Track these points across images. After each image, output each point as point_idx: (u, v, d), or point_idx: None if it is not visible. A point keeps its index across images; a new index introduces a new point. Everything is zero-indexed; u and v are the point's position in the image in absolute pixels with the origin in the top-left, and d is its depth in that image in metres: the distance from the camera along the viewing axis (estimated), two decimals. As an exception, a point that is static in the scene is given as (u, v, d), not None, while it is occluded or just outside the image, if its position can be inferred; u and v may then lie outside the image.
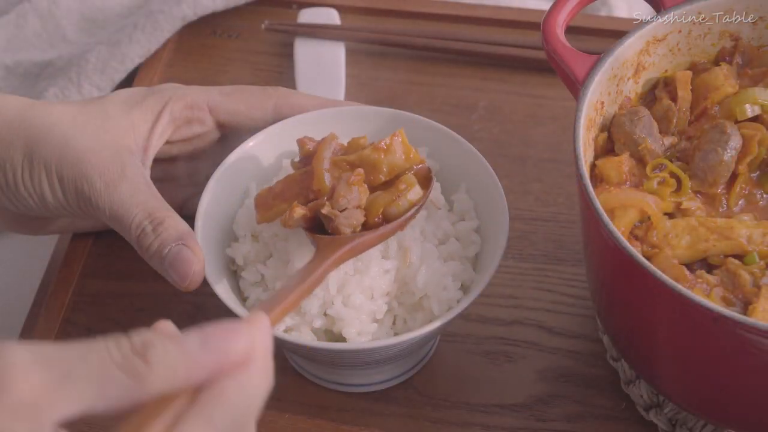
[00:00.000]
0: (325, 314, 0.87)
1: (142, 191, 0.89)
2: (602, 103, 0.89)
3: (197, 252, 0.87)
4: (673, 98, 0.92)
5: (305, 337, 0.87)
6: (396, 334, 0.88)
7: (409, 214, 0.87)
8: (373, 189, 0.88)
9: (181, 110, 0.95)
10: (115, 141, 0.92)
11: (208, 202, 0.93)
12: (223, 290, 0.88)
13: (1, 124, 0.91)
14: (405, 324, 0.89)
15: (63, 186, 0.90)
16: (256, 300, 0.89)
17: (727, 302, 0.79)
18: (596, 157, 0.89)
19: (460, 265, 0.90)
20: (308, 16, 1.25)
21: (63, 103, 0.94)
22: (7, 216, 0.99)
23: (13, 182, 0.91)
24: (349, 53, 1.23)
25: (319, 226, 0.87)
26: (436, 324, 0.85)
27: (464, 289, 0.90)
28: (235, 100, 0.97)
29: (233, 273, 0.93)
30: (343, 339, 0.88)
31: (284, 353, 0.98)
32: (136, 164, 0.92)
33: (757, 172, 0.87)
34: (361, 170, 0.87)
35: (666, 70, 0.94)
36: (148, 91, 0.96)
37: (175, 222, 0.88)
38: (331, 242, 0.85)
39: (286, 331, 0.87)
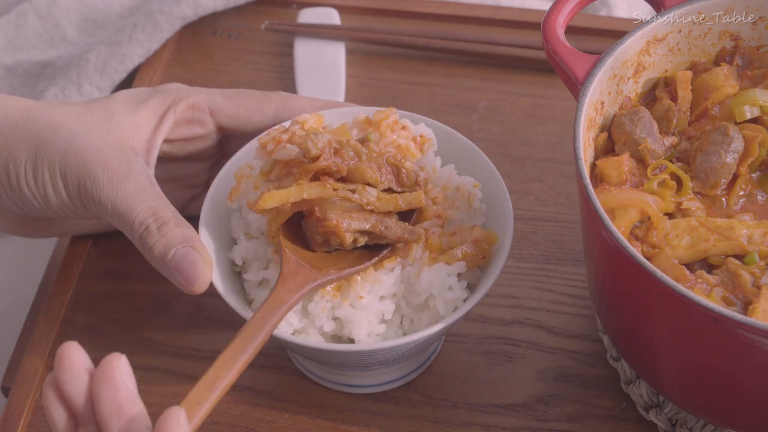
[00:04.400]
0: (334, 317, 0.87)
1: (146, 190, 0.89)
2: (602, 103, 0.89)
3: (204, 254, 0.87)
4: (674, 98, 0.92)
5: (313, 339, 0.87)
6: (404, 334, 0.88)
7: (380, 257, 0.88)
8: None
9: (183, 110, 0.96)
10: (119, 141, 0.92)
11: (210, 205, 0.93)
12: (228, 293, 0.87)
13: (6, 125, 0.91)
14: (411, 324, 0.89)
15: (66, 184, 0.90)
16: (262, 302, 0.89)
17: (727, 302, 0.79)
18: (596, 157, 0.89)
19: (465, 264, 0.90)
20: (308, 16, 1.25)
21: (67, 104, 0.94)
22: (10, 218, 0.99)
23: (17, 183, 0.91)
24: (349, 53, 1.23)
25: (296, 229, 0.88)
26: (442, 324, 0.85)
27: (470, 288, 0.90)
28: (236, 103, 0.97)
29: (237, 275, 0.93)
30: (350, 340, 0.88)
31: (288, 354, 0.98)
32: (141, 164, 0.92)
33: (757, 173, 0.88)
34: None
35: (666, 70, 0.95)
36: (152, 92, 0.96)
37: (180, 223, 0.88)
38: (297, 272, 0.85)
39: (294, 333, 0.87)
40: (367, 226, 0.86)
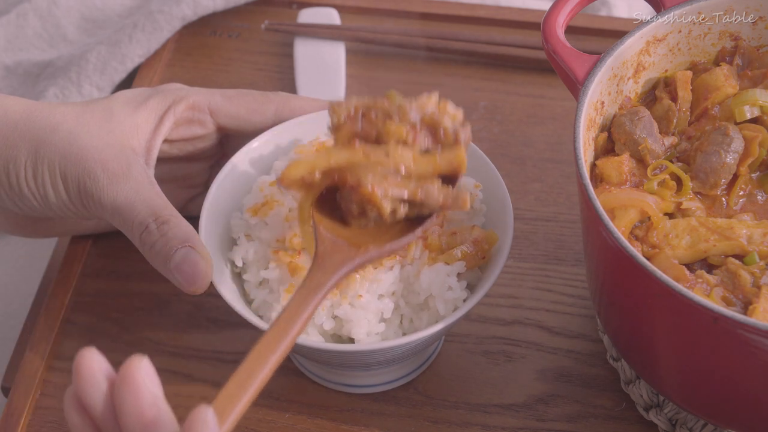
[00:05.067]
0: (334, 316, 0.87)
1: (146, 189, 0.89)
2: (602, 103, 0.89)
3: (204, 255, 0.86)
4: (674, 98, 0.92)
5: (313, 339, 0.87)
6: (404, 333, 0.88)
7: (424, 226, 0.82)
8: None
9: (183, 111, 0.96)
10: (119, 141, 0.92)
11: (210, 205, 0.93)
12: (228, 293, 0.87)
13: (6, 125, 0.91)
14: (411, 323, 0.89)
15: (66, 184, 0.90)
16: (262, 302, 0.89)
17: (727, 302, 0.79)
18: (596, 157, 0.89)
19: (465, 264, 0.90)
20: (308, 16, 1.25)
21: (67, 104, 0.94)
22: (10, 218, 0.99)
23: (17, 183, 0.91)
24: (349, 53, 1.23)
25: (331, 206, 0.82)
26: (442, 324, 0.85)
27: (470, 287, 0.90)
28: (236, 104, 0.97)
29: (237, 275, 0.93)
30: (350, 340, 0.88)
31: (288, 353, 0.97)
32: (141, 164, 0.92)
33: (757, 173, 0.88)
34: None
35: (666, 70, 0.95)
36: (152, 92, 0.96)
37: (180, 223, 0.88)
38: (334, 251, 0.79)
39: None
40: (406, 193, 0.79)
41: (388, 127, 0.81)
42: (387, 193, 0.79)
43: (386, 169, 0.79)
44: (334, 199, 0.83)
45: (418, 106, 0.83)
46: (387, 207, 0.79)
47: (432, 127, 0.82)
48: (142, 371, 0.67)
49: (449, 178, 0.82)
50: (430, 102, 0.85)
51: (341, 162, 0.79)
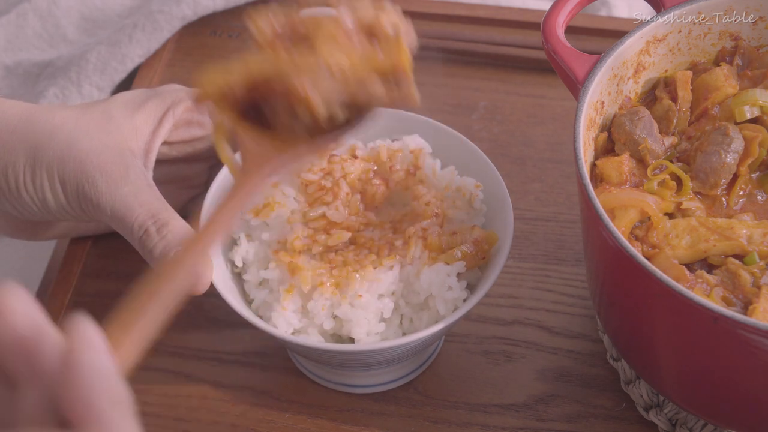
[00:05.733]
0: (334, 316, 0.87)
1: (145, 192, 0.89)
2: (602, 103, 0.89)
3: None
4: (674, 98, 0.92)
5: (313, 339, 0.87)
6: (404, 333, 0.88)
7: (365, 120, 0.71)
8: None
9: (181, 112, 0.96)
10: (117, 143, 0.92)
11: (210, 205, 0.93)
12: (228, 293, 0.87)
13: (5, 129, 0.91)
14: (411, 323, 0.89)
15: (65, 188, 0.90)
16: (262, 302, 0.89)
17: (727, 302, 0.79)
18: (596, 156, 0.89)
19: (465, 264, 0.90)
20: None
21: (66, 107, 0.94)
22: (9, 221, 0.99)
23: (15, 187, 0.91)
24: (349, 53, 1.23)
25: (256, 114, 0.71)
26: (442, 324, 0.85)
27: (470, 287, 0.90)
28: None
29: (237, 275, 0.93)
30: (350, 340, 0.88)
31: (288, 354, 0.98)
32: (139, 166, 0.92)
33: (757, 173, 0.88)
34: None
35: (666, 70, 0.95)
36: (151, 93, 0.96)
37: (179, 225, 0.88)
38: (260, 156, 0.69)
39: (293, 333, 0.87)
40: (344, 94, 0.69)
41: (319, 29, 0.70)
42: (321, 89, 0.68)
43: (318, 72, 0.68)
44: (258, 115, 0.71)
45: (352, 10, 0.72)
46: (321, 109, 0.68)
47: (369, 28, 0.71)
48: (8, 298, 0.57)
49: (394, 80, 0.71)
50: (365, 4, 0.73)
51: (265, 69, 0.69)
